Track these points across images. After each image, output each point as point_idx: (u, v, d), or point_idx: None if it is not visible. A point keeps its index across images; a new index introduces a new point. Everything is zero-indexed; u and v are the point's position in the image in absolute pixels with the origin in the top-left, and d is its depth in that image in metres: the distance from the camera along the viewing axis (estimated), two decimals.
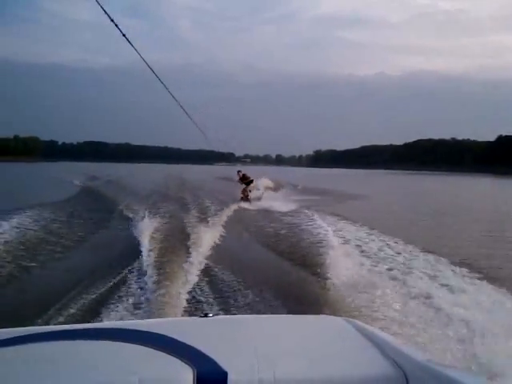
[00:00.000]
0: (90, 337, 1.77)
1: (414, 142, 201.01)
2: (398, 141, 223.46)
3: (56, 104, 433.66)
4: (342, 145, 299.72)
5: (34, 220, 14.18)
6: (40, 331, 1.94)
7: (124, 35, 4.65)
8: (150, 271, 8.33)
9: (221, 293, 7.59)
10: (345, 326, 2.14)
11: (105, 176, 41.30)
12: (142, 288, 7.48)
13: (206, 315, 2.31)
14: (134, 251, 10.10)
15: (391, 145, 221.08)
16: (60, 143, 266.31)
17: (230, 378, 1.37)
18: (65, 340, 1.74)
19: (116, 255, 10.24)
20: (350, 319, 2.28)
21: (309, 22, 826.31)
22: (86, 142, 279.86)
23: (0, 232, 11.51)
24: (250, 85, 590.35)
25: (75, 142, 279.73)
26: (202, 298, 7.24)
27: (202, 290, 7.76)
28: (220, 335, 1.96)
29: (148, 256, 9.49)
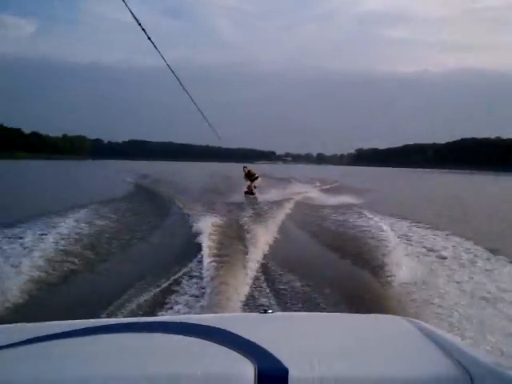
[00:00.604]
0: (154, 330, 1.85)
1: (458, 141, 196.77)
2: (442, 139, 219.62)
3: (100, 103, 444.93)
4: (384, 143, 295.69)
5: (97, 216, 15.17)
6: (105, 323, 2.09)
7: (149, 38, 4.86)
8: (210, 264, 8.71)
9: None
10: (407, 326, 2.13)
11: (154, 174, 42.75)
12: (202, 283, 7.73)
13: (265, 311, 2.33)
14: (195, 244, 10.61)
15: (434, 144, 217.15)
16: (105, 142, 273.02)
17: (291, 374, 1.37)
18: (129, 333, 1.83)
19: (177, 249, 10.81)
20: (413, 319, 2.28)
21: (351, 19, 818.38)
22: (130, 141, 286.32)
23: (68, 226, 12.50)
24: (291, 83, 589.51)
25: (120, 141, 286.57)
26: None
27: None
28: (280, 332, 2.00)
29: (208, 248, 9.93)
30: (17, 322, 2.23)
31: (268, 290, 7.57)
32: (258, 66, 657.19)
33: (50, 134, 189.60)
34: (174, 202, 19.66)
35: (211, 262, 8.90)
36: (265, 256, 10.00)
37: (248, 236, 11.68)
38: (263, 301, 7.00)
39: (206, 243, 10.35)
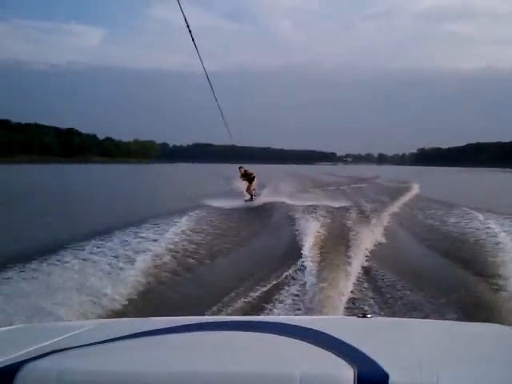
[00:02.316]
0: (253, 329, 1.91)
1: None
2: (506, 138, 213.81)
3: (164, 108, 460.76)
4: (447, 142, 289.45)
5: (215, 213, 17.13)
6: (202, 321, 2.23)
7: (193, 41, 5.21)
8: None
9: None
10: None
11: (235, 176, 45.86)
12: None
13: (364, 316, 2.37)
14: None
15: (498, 142, 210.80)
16: (171, 146, 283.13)
17: (392, 380, 1.31)
18: (230, 331, 1.92)
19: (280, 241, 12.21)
20: None
21: (411, 16, 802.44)
22: (194, 144, 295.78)
23: (185, 225, 13.63)
24: (350, 84, 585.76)
25: (184, 144, 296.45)
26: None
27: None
28: (380, 336, 2.00)
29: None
30: (125, 317, 2.90)
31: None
32: (317, 67, 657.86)
33: (122, 140, 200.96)
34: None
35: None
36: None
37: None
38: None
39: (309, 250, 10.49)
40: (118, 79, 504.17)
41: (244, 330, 1.88)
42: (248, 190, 22.43)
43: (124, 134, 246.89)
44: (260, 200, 22.32)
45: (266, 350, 1.65)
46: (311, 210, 17.15)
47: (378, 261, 9.79)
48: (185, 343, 1.78)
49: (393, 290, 7.76)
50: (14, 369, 1.39)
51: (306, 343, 1.62)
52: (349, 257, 9.78)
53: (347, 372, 1.35)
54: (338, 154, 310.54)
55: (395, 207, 20.35)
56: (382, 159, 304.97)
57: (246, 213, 18.75)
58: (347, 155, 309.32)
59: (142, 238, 11.56)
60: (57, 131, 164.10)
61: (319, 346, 1.57)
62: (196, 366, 1.47)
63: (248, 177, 22.73)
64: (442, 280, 8.62)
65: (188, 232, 12.77)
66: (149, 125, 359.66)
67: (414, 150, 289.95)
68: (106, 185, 43.00)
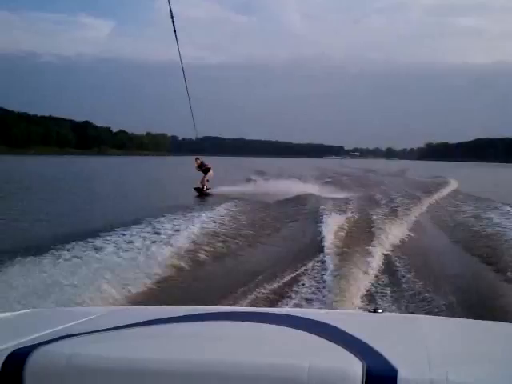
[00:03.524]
0: (263, 320, 1.90)
1: None
2: None
3: (173, 101, 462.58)
4: (455, 137, 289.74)
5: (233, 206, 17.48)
6: (218, 311, 2.29)
7: (175, 33, 5.15)
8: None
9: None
10: None
11: (265, 170, 47.07)
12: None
13: (375, 310, 2.34)
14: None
15: (506, 138, 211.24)
16: (180, 138, 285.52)
17: (401, 375, 1.28)
18: (241, 321, 1.89)
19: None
20: None
21: (421, 9, 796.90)
22: (204, 137, 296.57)
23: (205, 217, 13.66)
24: (359, 78, 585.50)
25: (194, 138, 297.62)
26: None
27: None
28: (390, 332, 1.99)
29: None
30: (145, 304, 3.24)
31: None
32: (326, 60, 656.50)
33: (134, 132, 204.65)
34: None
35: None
36: None
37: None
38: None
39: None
40: (126, 71, 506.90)
41: (254, 321, 1.88)
42: (202, 180, 23.23)
43: (133, 127, 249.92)
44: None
45: (275, 341, 1.64)
46: None
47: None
48: (196, 332, 1.79)
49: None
50: (25, 353, 1.38)
51: (315, 336, 1.61)
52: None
53: (356, 366, 1.33)
54: (346, 147, 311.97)
55: None
56: (389, 154, 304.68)
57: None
58: (355, 149, 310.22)
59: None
60: (72, 124, 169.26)
61: (329, 340, 1.55)
62: (205, 354, 1.46)
63: (203, 167, 23.63)
64: None
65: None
66: (158, 117, 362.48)
67: (422, 145, 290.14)
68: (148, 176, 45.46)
